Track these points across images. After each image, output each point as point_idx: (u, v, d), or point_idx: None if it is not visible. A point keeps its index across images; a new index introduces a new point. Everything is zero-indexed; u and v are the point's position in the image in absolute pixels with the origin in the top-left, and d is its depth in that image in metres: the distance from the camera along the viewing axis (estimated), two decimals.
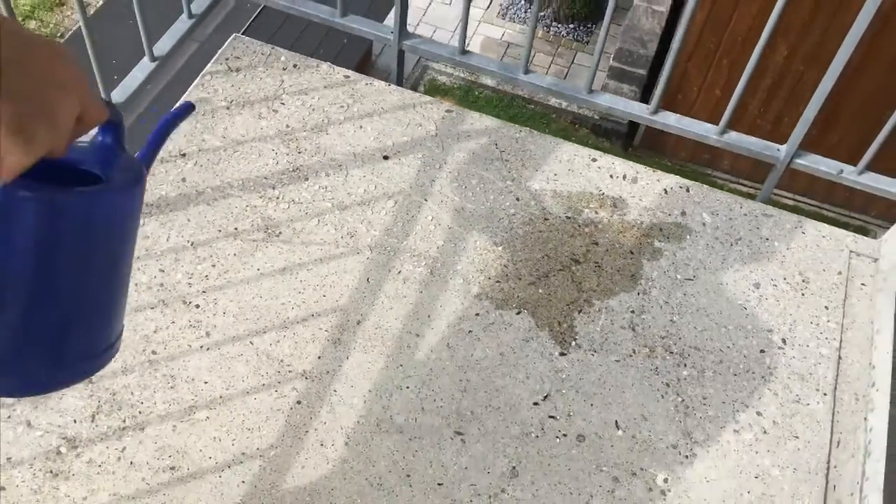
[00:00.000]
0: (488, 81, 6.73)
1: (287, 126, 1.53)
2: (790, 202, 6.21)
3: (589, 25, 7.08)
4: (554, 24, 7.19)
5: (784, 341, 1.35)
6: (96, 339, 0.71)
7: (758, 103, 5.98)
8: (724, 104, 1.51)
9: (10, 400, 1.19)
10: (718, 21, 5.75)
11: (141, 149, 0.78)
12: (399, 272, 1.37)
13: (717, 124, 1.53)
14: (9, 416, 1.18)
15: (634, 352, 1.32)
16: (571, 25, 7.14)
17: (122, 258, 0.72)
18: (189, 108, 0.83)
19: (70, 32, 6.27)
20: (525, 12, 7.07)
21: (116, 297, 0.73)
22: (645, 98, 6.16)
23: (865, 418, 1.27)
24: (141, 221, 1.36)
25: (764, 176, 1.59)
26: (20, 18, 6.54)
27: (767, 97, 5.93)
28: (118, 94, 1.48)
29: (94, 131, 0.70)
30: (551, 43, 7.16)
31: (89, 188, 0.65)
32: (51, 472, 1.14)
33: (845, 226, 1.47)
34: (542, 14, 7.17)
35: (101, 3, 6.56)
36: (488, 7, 7.16)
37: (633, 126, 6.60)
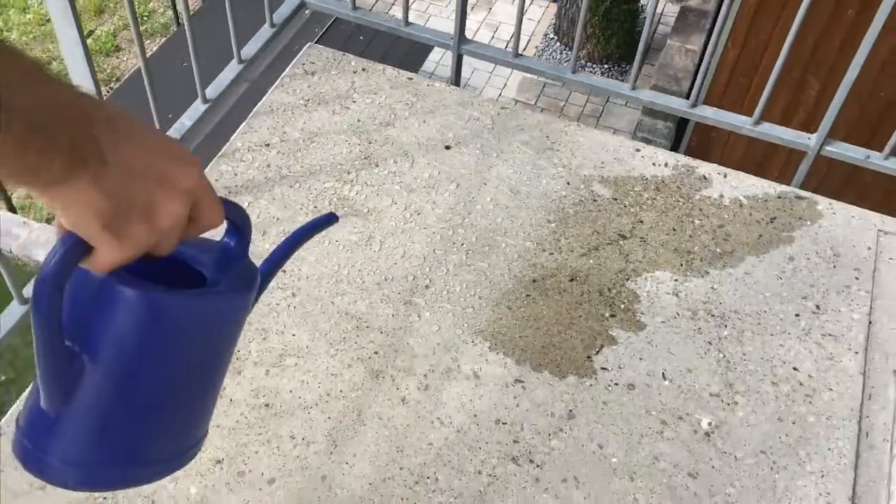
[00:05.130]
0: None
1: (358, 120, 1.70)
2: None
3: (623, 65, 7.28)
4: (589, 64, 7.40)
5: (817, 307, 1.46)
6: (177, 442, 0.68)
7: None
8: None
9: None
10: (750, 62, 5.90)
11: (271, 254, 0.75)
12: (462, 244, 1.51)
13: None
14: None
15: (678, 314, 1.44)
16: (606, 66, 7.35)
17: (215, 363, 0.68)
18: (331, 219, 0.77)
19: (126, 76, 6.60)
20: (560, 54, 7.30)
21: (204, 402, 0.70)
22: (678, 138, 6.30)
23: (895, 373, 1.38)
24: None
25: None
26: None
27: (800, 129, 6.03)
28: (211, 91, 1.66)
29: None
30: None
31: (181, 291, 0.61)
32: None
33: None
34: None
35: (155, 48, 6.90)
36: (524, 50, 7.40)
37: (677, 139, 6.69)
